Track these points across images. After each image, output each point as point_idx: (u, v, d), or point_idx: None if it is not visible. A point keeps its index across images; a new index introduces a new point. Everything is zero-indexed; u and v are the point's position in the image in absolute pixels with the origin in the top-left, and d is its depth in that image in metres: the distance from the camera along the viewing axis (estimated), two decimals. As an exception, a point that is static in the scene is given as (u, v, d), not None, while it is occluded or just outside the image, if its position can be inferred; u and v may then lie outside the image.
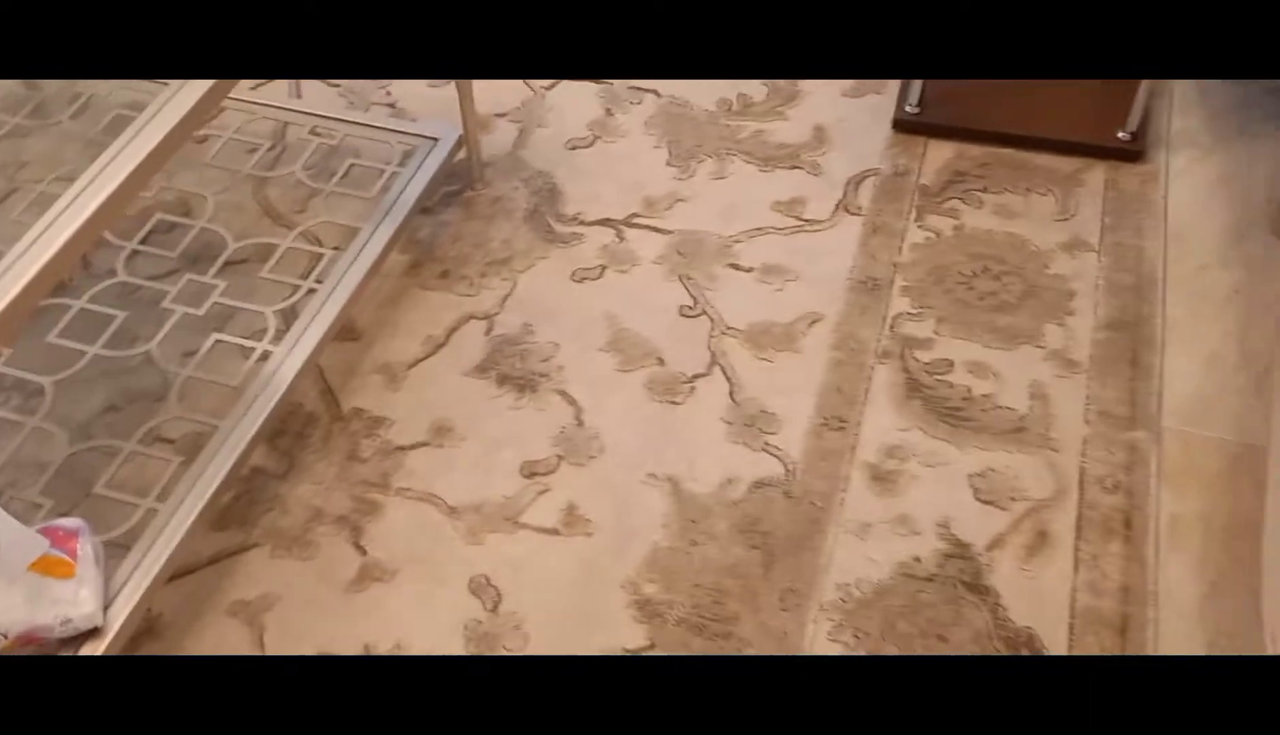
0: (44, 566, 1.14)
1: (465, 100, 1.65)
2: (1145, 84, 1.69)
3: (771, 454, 1.41)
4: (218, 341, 1.48)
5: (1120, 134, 1.74)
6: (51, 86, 1.86)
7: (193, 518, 1.26)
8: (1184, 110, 1.83)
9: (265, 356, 1.43)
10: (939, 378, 1.49)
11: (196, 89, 1.14)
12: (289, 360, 1.41)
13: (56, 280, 1.04)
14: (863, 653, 1.23)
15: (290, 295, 1.53)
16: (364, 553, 1.33)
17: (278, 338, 1.46)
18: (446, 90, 1.88)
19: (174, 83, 1.14)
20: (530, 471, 1.40)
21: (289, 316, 1.51)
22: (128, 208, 1.25)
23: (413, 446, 1.43)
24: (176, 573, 1.29)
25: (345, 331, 1.56)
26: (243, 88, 1.91)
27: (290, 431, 1.45)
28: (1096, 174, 1.73)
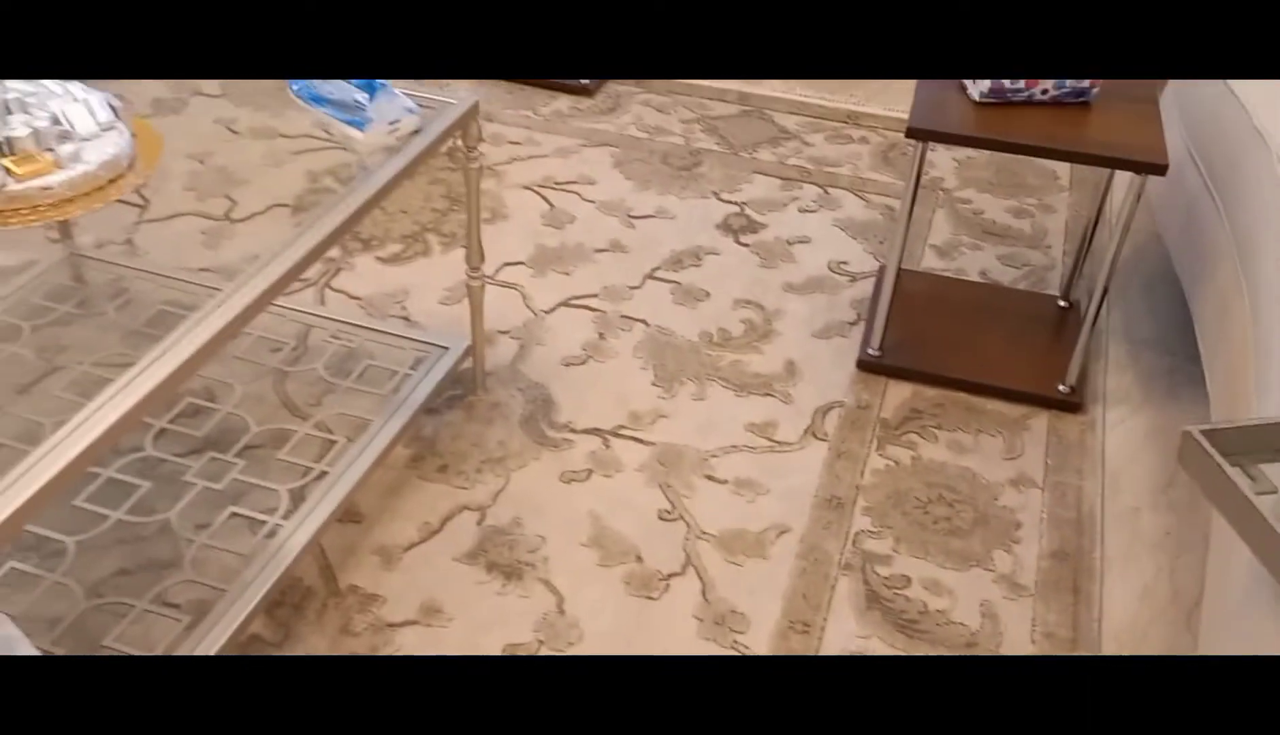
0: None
1: (476, 315, 1.84)
2: (1081, 345, 1.91)
3: (740, 651, 1.51)
4: (232, 514, 1.59)
5: (1060, 387, 1.94)
6: (99, 280, 2.05)
7: (190, 677, 1.34)
8: (1117, 371, 2.05)
9: (274, 532, 1.55)
10: (897, 592, 1.61)
11: (246, 295, 1.24)
12: (294, 537, 1.52)
13: (96, 459, 1.10)
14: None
15: (302, 477, 1.66)
16: (350, 721, 1.40)
17: (287, 515, 1.57)
18: (456, 308, 2.09)
19: (225, 289, 1.24)
20: (513, 653, 1.49)
21: (298, 497, 1.63)
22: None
23: (403, 623, 1.53)
24: (169, 729, 1.35)
25: (349, 514, 1.67)
26: (273, 293, 2.10)
27: (289, 603, 1.54)
28: (1040, 421, 1.92)
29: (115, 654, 1.39)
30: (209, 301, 1.24)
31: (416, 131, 1.52)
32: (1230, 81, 1.84)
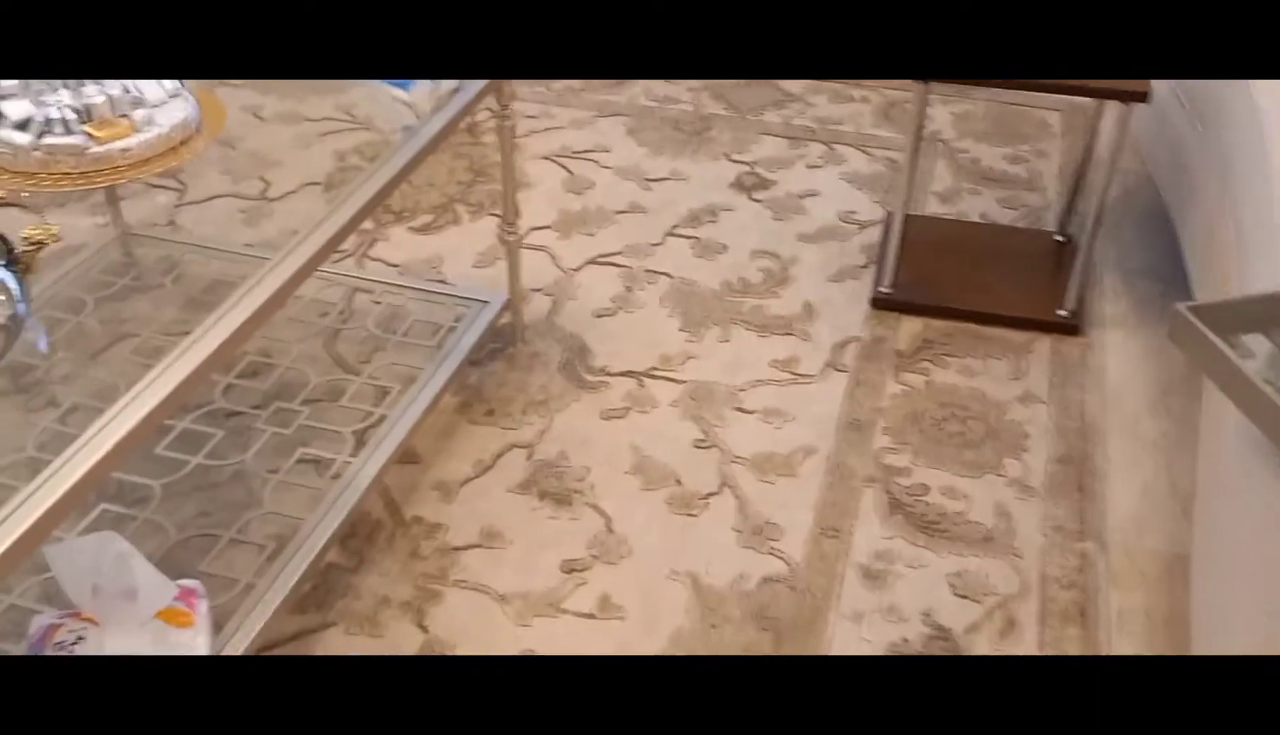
0: (168, 615, 1.34)
1: (514, 270, 1.97)
2: (1077, 270, 2.04)
3: (777, 556, 1.64)
4: (301, 457, 1.72)
5: (1060, 312, 2.07)
6: (150, 257, 2.17)
7: (279, 601, 1.47)
8: (1114, 298, 2.18)
9: (340, 472, 1.67)
10: (918, 498, 1.74)
11: (292, 263, 1.31)
12: (360, 475, 1.65)
13: (169, 413, 1.16)
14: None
15: (363, 421, 1.79)
16: (426, 632, 1.53)
17: (352, 455, 1.70)
18: (489, 271, 2.21)
19: (274, 256, 1.32)
20: (569, 568, 1.62)
21: (361, 440, 1.76)
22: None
23: (466, 547, 1.66)
24: (264, 646, 1.48)
25: (407, 455, 1.80)
26: (316, 262, 2.23)
27: (360, 534, 1.67)
28: (1044, 344, 2.05)
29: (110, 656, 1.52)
30: (259, 270, 1.30)
31: (456, 90, 1.65)
32: (1207, 17, 1.96)
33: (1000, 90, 2.54)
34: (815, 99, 2.86)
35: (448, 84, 1.63)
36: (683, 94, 2.88)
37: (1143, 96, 1.79)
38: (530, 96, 2.86)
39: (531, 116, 2.78)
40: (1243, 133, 1.73)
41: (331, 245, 1.40)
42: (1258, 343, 1.21)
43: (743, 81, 2.94)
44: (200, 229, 2.35)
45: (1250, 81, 1.76)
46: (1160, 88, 2.17)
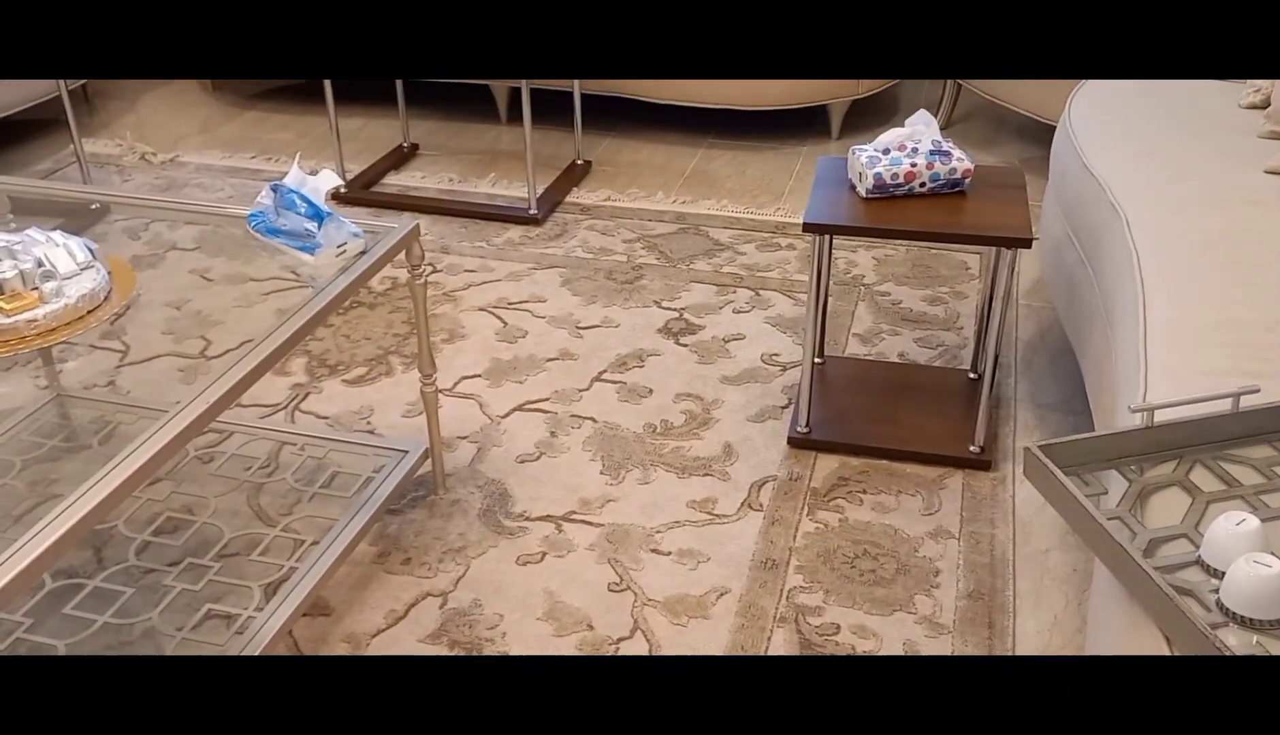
0: None
1: (431, 419, 2.01)
2: (983, 407, 2.09)
3: (682, 701, 1.63)
4: (209, 612, 1.73)
5: (971, 448, 2.11)
6: (84, 418, 2.22)
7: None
8: (1025, 432, 2.22)
9: (246, 626, 1.68)
10: (828, 638, 1.74)
11: (182, 419, 1.36)
12: (264, 630, 1.65)
13: (60, 557, 1.20)
14: None
15: (275, 573, 1.80)
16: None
17: (259, 609, 1.71)
18: (418, 419, 2.26)
19: (168, 412, 1.36)
20: (473, 719, 1.61)
21: (270, 593, 1.77)
22: (127, 505, 1.53)
23: (372, 700, 1.65)
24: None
25: (318, 607, 1.81)
26: (248, 416, 2.27)
27: (265, 690, 1.67)
28: (956, 479, 2.09)
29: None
30: (151, 426, 1.34)
31: (362, 253, 1.72)
32: (1089, 163, 2.07)
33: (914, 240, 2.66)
34: (744, 247, 2.96)
35: (354, 247, 1.71)
36: (617, 245, 2.99)
37: (1026, 243, 1.87)
38: (470, 252, 2.96)
39: (470, 270, 2.87)
40: (1121, 271, 1.81)
41: (231, 397, 1.45)
42: (1112, 479, 1.25)
43: (675, 231, 3.05)
44: (138, 389, 2.40)
45: (1127, 220, 1.85)
46: (1054, 228, 2.28)
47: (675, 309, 2.68)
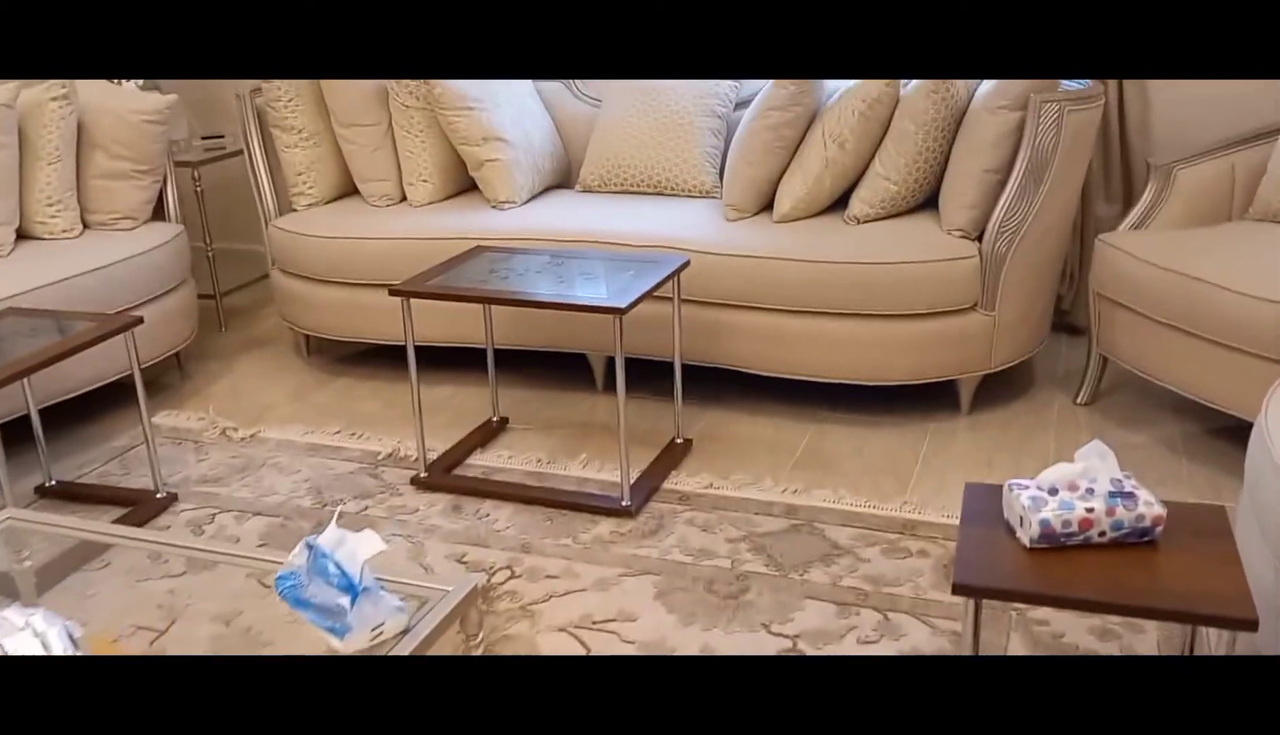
0: None
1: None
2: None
3: None
4: None
5: None
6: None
7: None
8: None
9: None
10: None
11: None
12: None
13: None
14: None
15: None
16: None
17: None
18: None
19: None
20: None
21: None
22: None
23: None
24: None
25: None
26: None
27: None
28: None
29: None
30: None
31: (405, 632, 1.40)
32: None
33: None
34: (867, 552, 2.57)
35: (393, 626, 1.39)
36: (719, 546, 2.63)
37: (1250, 624, 1.45)
38: (554, 551, 2.64)
39: (553, 576, 2.54)
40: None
41: None
42: None
43: (785, 527, 2.68)
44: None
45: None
46: (1265, 576, 1.83)
47: (788, 635, 2.28)
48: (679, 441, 3.16)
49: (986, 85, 3.13)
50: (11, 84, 3.37)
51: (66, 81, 3.46)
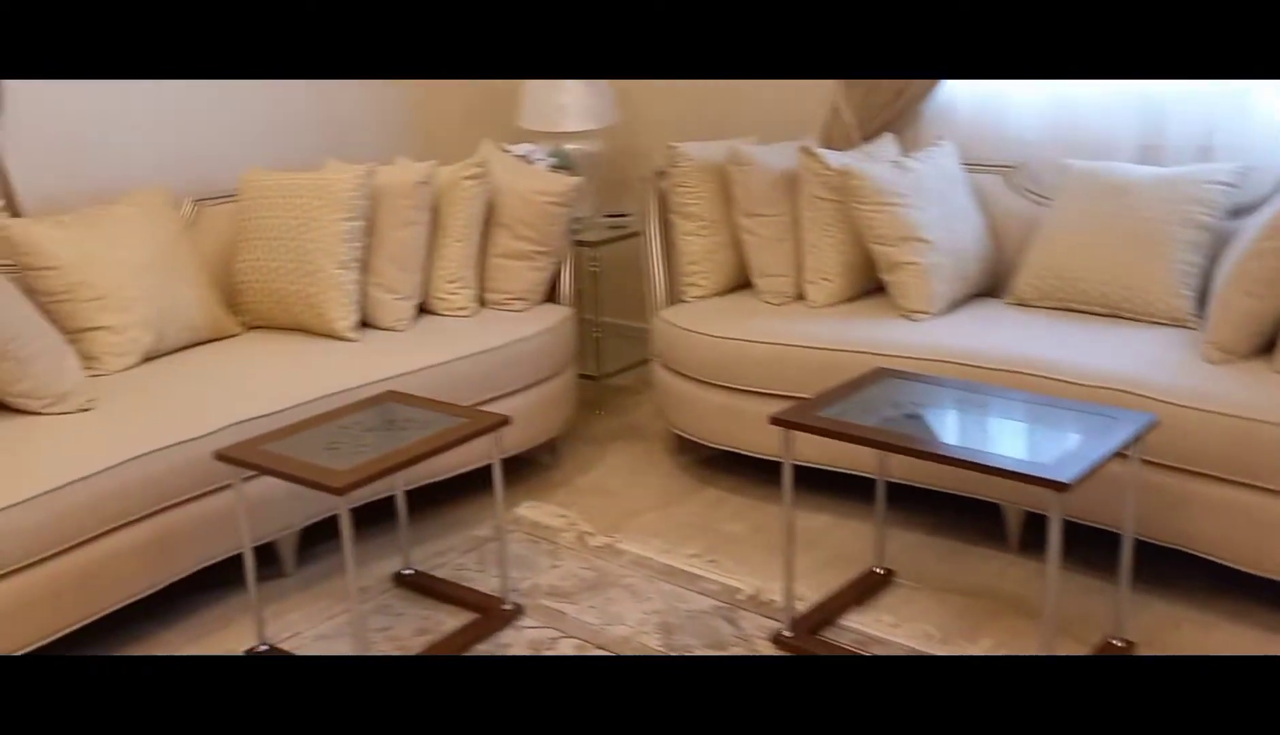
0: None
1: None
2: None
3: None
4: None
5: None
6: None
7: None
8: None
9: None
10: None
11: None
12: None
13: None
14: None
15: None
16: None
17: None
18: None
19: None
20: None
21: None
22: None
23: None
24: None
25: None
26: None
27: None
28: None
29: None
30: None
31: None
32: None
33: None
34: None
35: None
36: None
37: None
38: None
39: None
40: None
41: None
42: None
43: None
44: None
45: None
46: None
47: None
48: (1117, 643, 2.45)
49: None
50: (426, 164, 3.38)
51: (482, 162, 3.43)
